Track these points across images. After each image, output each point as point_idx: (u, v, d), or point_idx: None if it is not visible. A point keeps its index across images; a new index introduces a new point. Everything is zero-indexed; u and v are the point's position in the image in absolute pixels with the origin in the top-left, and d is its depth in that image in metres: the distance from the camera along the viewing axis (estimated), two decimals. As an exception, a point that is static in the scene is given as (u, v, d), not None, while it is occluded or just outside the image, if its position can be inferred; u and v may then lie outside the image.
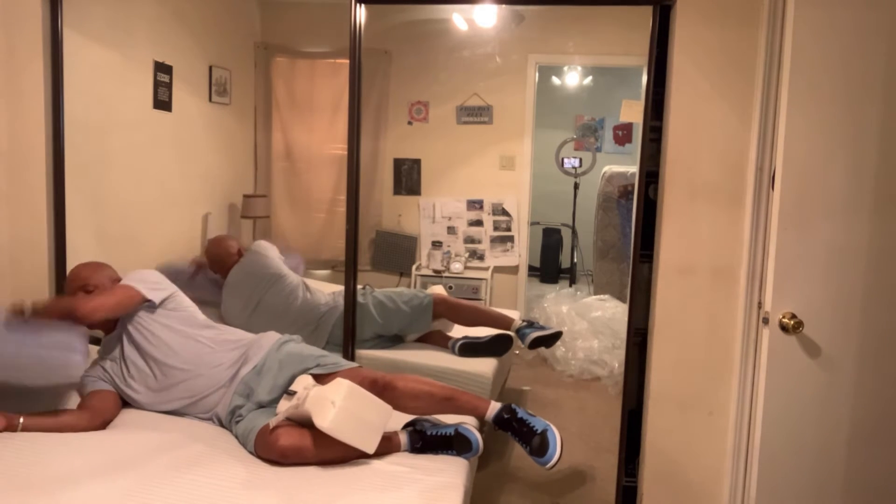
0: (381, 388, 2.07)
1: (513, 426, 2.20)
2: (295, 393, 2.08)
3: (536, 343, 3.07)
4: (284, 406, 2.08)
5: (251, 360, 2.32)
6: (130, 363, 2.35)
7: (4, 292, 2.77)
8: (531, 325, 3.12)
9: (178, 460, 2.01)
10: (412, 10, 3.48)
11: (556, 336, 3.21)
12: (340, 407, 1.95)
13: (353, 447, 2.01)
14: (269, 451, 2.02)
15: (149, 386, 2.33)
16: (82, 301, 2.31)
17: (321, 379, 2.16)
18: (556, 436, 2.20)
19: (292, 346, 2.39)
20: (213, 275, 3.25)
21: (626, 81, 3.49)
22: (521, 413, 2.23)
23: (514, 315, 3.54)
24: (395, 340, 3.15)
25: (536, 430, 2.19)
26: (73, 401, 2.32)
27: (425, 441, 2.17)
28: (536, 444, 2.17)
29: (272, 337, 2.43)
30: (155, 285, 2.46)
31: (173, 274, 2.69)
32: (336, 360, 2.26)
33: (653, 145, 2.39)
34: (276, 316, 3.09)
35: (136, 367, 2.35)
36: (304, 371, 2.21)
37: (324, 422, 1.95)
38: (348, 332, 2.78)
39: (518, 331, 3.11)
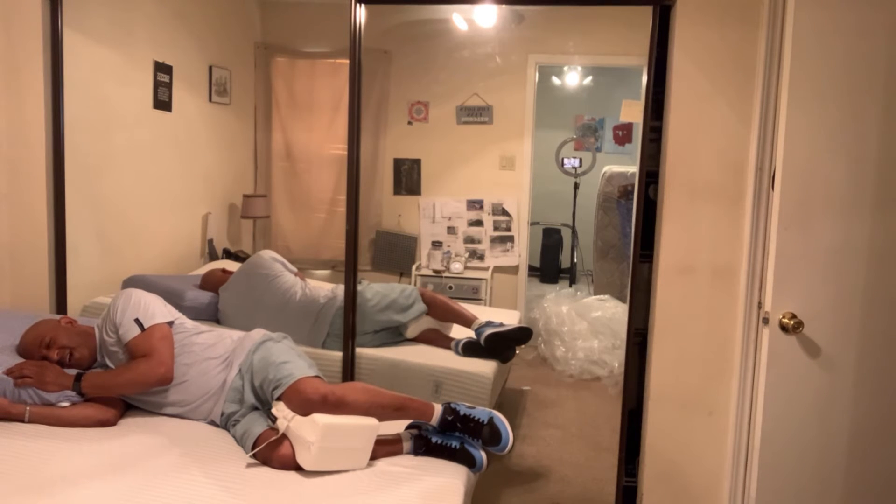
0: (333, 406, 2.05)
1: (458, 426, 2.18)
2: (276, 420, 2.09)
3: (492, 341, 3.05)
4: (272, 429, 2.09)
5: (235, 365, 2.31)
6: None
7: (4, 292, 2.77)
8: (488, 324, 3.11)
9: (177, 460, 2.01)
10: (412, 10, 3.49)
11: (521, 333, 3.13)
12: (318, 448, 1.97)
13: None
14: (270, 461, 2.02)
15: (143, 401, 2.32)
16: (154, 366, 2.21)
17: (285, 394, 2.12)
18: (502, 421, 2.20)
19: (265, 350, 2.30)
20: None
21: (626, 81, 3.50)
22: (462, 409, 2.21)
23: (514, 315, 3.55)
24: (396, 335, 3.15)
25: (482, 421, 2.18)
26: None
27: (429, 448, 2.17)
28: (487, 434, 2.17)
29: (253, 337, 2.38)
30: (163, 307, 2.41)
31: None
32: (291, 369, 2.16)
33: (653, 145, 2.38)
34: (277, 311, 3.09)
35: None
36: (270, 393, 2.16)
37: (305, 463, 1.98)
38: (348, 333, 2.78)
39: (476, 329, 3.11)
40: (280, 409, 2.09)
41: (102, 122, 3.08)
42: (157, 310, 2.35)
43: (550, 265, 4.42)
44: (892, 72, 1.89)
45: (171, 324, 2.36)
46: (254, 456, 2.03)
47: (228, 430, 2.22)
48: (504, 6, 3.39)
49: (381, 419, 2.11)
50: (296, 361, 2.22)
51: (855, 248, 1.96)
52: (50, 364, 2.23)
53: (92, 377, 2.21)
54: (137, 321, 2.28)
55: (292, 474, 1.98)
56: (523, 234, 3.90)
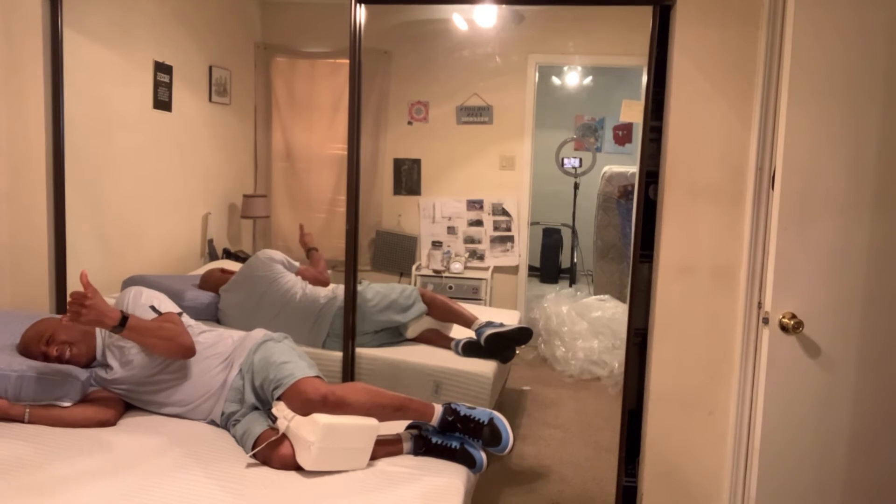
0: (333, 406, 2.05)
1: (458, 426, 2.18)
2: (276, 420, 2.09)
3: (492, 341, 3.05)
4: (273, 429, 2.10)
5: (236, 365, 2.31)
6: (121, 387, 2.31)
7: (4, 292, 2.77)
8: (489, 324, 3.11)
9: (177, 460, 2.01)
10: (412, 10, 3.48)
11: (522, 333, 3.14)
12: (318, 448, 1.97)
13: None
14: (270, 461, 2.03)
15: (144, 400, 2.33)
16: (185, 334, 2.25)
17: (286, 394, 2.13)
18: (503, 421, 2.21)
19: (265, 350, 2.31)
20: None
21: (626, 81, 3.49)
22: (462, 410, 2.21)
23: (514, 315, 3.55)
24: (396, 335, 3.15)
25: (483, 421, 2.18)
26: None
27: (429, 448, 2.17)
28: (487, 435, 2.17)
29: (254, 337, 2.39)
30: (171, 303, 2.45)
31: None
32: (291, 369, 2.17)
33: (653, 145, 2.38)
34: (277, 312, 3.09)
35: (128, 390, 2.32)
36: (270, 393, 2.16)
37: (305, 463, 1.98)
38: (348, 333, 2.78)
39: (477, 330, 3.11)
40: (280, 409, 2.09)
41: (102, 123, 3.08)
42: (167, 303, 2.42)
43: (550, 265, 4.42)
44: (892, 72, 1.89)
45: (179, 314, 2.41)
46: (254, 456, 2.03)
47: (228, 430, 2.22)
48: (504, 6, 3.38)
49: (381, 419, 2.11)
50: (296, 361, 2.22)
51: (855, 248, 1.96)
52: (98, 296, 2.12)
53: (137, 320, 2.19)
54: (153, 308, 2.33)
55: (292, 474, 1.99)
56: (523, 234, 3.90)
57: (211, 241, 3.71)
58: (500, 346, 3.05)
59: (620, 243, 3.86)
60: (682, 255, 2.34)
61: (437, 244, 3.93)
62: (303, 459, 1.99)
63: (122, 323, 2.12)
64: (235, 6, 3.91)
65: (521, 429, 3.32)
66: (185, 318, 2.45)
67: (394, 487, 1.95)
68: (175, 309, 2.43)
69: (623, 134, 4.20)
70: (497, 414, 2.23)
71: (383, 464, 2.08)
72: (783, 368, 1.98)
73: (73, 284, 2.81)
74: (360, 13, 2.59)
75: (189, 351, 2.26)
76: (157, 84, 3.31)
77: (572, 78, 4.22)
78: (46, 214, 2.73)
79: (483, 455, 2.17)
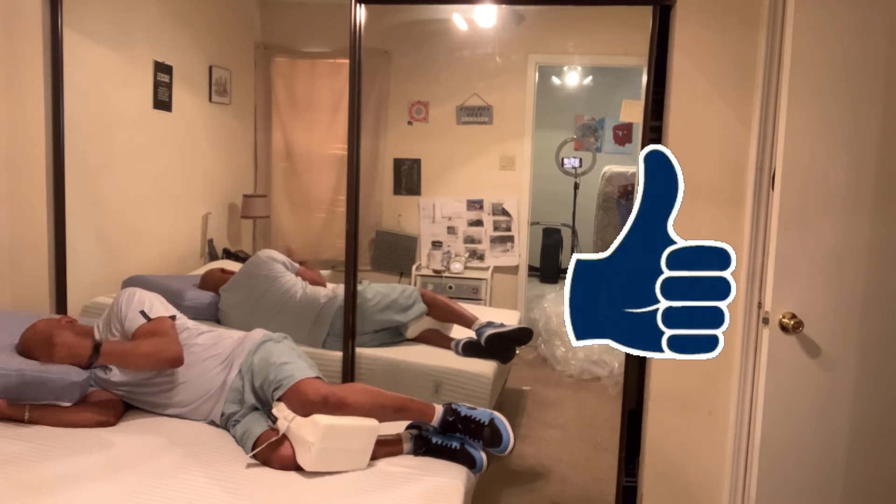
0: (333, 407, 2.05)
1: (458, 427, 2.18)
2: (277, 420, 2.10)
3: (493, 341, 3.06)
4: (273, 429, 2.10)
5: (235, 366, 2.31)
6: (121, 389, 2.31)
7: (4, 293, 2.77)
8: (489, 324, 3.12)
9: (177, 461, 2.01)
10: (412, 10, 3.48)
11: (522, 333, 3.14)
12: (319, 448, 1.97)
13: None
14: (270, 462, 2.03)
15: (144, 402, 2.33)
16: (170, 344, 2.24)
17: (286, 395, 2.13)
18: (503, 422, 2.21)
19: (265, 350, 2.31)
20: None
21: (626, 81, 3.50)
22: (463, 410, 2.21)
23: (514, 315, 3.55)
24: (396, 335, 3.15)
25: (483, 422, 2.18)
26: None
27: (429, 448, 2.17)
28: (488, 435, 2.17)
29: (254, 338, 2.39)
30: (165, 305, 2.43)
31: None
32: (291, 370, 2.17)
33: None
34: (277, 311, 3.10)
35: (128, 391, 2.32)
36: (270, 394, 2.16)
37: (305, 464, 1.99)
38: (348, 332, 2.78)
39: (477, 330, 3.11)
40: (280, 410, 2.09)
41: (102, 122, 3.08)
42: (160, 306, 2.40)
43: (550, 265, 4.42)
44: (892, 72, 1.89)
45: (173, 318, 2.40)
46: (254, 456, 2.03)
47: (228, 431, 2.22)
48: (504, 6, 3.38)
49: (381, 420, 2.11)
50: (296, 362, 2.22)
51: (855, 248, 1.96)
52: (65, 332, 2.15)
53: (111, 345, 2.19)
54: (143, 313, 2.32)
55: (292, 475, 1.99)
56: (523, 234, 3.90)
57: (211, 241, 3.71)
58: (500, 346, 3.05)
59: (620, 243, 3.86)
60: (682, 255, 2.33)
61: (437, 244, 3.93)
62: (303, 460, 1.99)
63: (97, 351, 2.12)
64: (235, 6, 3.91)
65: (521, 429, 3.32)
66: (183, 320, 2.44)
67: (394, 487, 1.95)
68: (168, 312, 2.40)
69: (623, 134, 4.20)
70: (498, 414, 2.23)
71: (383, 464, 2.08)
72: (783, 368, 1.98)
73: (73, 284, 2.82)
74: (360, 13, 2.59)
75: (175, 361, 2.24)
76: (157, 84, 3.31)
77: (572, 78, 4.22)
78: (46, 214, 2.73)
79: (483, 455, 2.17)
